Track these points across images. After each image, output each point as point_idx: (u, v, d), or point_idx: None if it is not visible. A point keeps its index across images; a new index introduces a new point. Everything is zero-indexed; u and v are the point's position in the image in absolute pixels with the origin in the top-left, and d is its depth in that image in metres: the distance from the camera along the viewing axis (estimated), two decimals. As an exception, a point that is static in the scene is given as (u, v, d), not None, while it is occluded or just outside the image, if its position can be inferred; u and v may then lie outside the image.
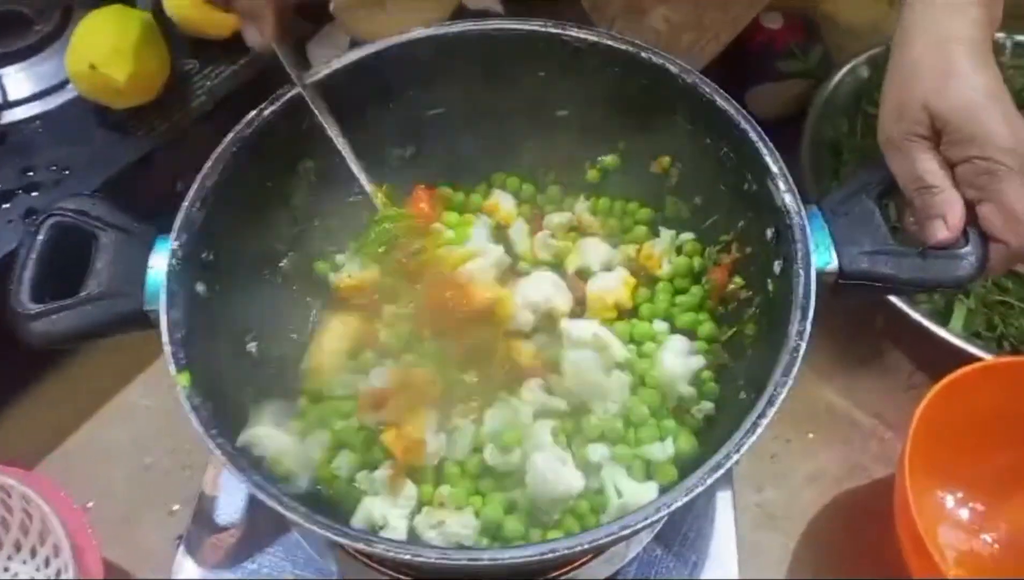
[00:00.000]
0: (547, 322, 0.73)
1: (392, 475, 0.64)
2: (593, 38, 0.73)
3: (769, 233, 0.66)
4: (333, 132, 0.71)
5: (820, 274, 0.61)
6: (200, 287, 0.63)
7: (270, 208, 0.73)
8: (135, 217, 0.65)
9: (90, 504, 0.81)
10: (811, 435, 0.86)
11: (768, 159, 0.65)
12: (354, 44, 0.80)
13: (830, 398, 0.88)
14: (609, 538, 0.51)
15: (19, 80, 0.91)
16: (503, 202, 0.82)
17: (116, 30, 0.84)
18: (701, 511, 0.75)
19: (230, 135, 0.68)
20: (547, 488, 0.62)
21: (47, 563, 0.72)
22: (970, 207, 0.62)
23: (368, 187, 0.73)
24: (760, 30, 1.01)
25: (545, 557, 0.50)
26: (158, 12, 0.91)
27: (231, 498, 0.75)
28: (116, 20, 0.85)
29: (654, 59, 0.72)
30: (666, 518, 0.64)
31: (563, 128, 0.81)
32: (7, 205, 0.81)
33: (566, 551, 0.50)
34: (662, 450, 0.66)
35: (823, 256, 0.62)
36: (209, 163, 0.66)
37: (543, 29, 0.74)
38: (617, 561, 0.70)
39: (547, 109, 0.80)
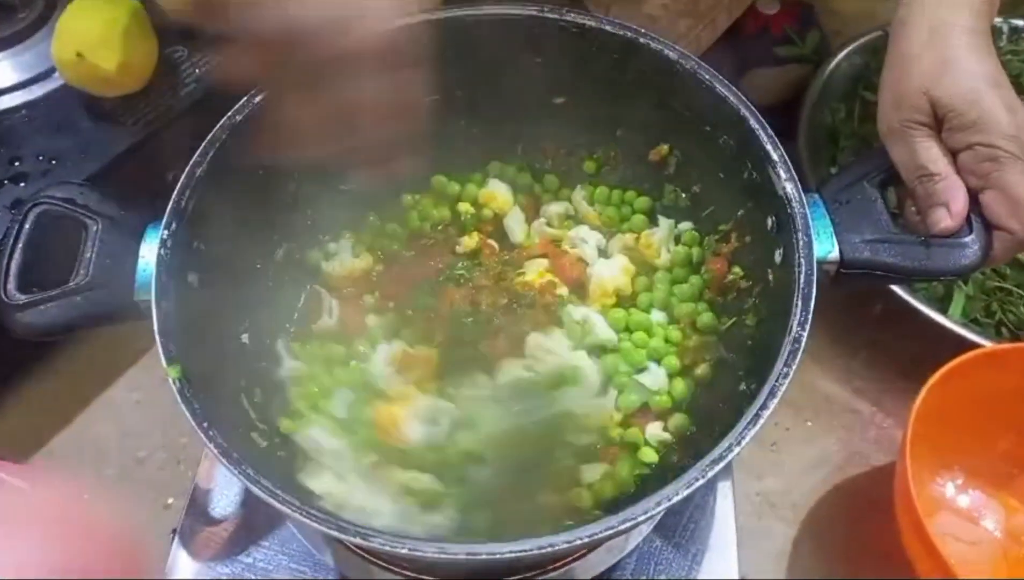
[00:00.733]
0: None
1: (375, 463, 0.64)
2: (591, 23, 0.72)
3: (770, 222, 0.65)
4: None
5: (822, 263, 0.60)
6: (191, 277, 0.62)
7: (262, 197, 0.72)
8: (124, 206, 0.63)
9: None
10: (810, 423, 0.86)
11: (768, 147, 0.65)
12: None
13: (829, 386, 0.88)
14: (608, 532, 0.50)
15: (3, 68, 0.89)
16: (499, 191, 0.80)
17: (103, 17, 0.82)
18: (701, 501, 0.74)
19: (220, 122, 0.66)
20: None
21: (39, 558, 0.71)
22: (972, 195, 0.61)
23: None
24: (757, 15, 1.01)
25: (544, 551, 0.49)
26: (145, -1, 0.90)
27: (225, 491, 0.74)
28: (103, 7, 0.83)
29: (652, 45, 0.71)
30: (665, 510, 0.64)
31: (560, 115, 0.80)
32: (-7, 195, 0.80)
33: (565, 545, 0.49)
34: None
35: (825, 245, 0.61)
36: (199, 151, 0.65)
37: (540, 14, 0.73)
38: (617, 552, 0.70)
39: (544, 96, 0.79)
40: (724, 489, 0.75)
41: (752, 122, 0.66)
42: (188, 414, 0.54)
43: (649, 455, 0.67)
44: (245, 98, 0.68)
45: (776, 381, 0.54)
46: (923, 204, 0.62)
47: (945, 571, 0.63)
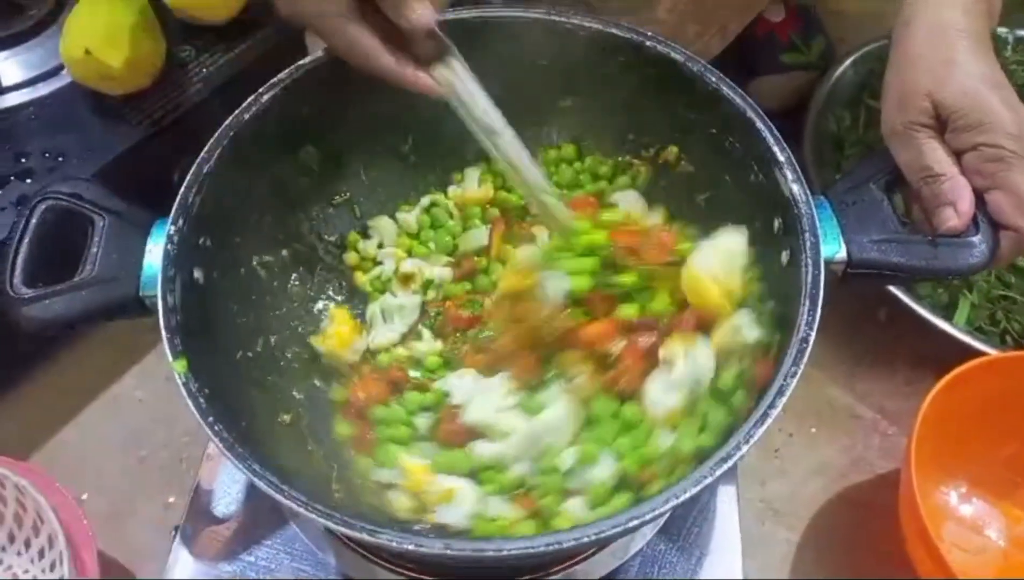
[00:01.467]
0: None
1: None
2: (598, 26, 0.72)
3: (776, 224, 0.65)
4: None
5: (829, 263, 0.60)
6: (197, 273, 0.62)
7: (269, 195, 0.72)
8: (131, 202, 0.63)
9: (84, 496, 0.79)
10: (814, 430, 0.86)
11: (775, 148, 0.64)
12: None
13: (833, 393, 0.88)
14: (615, 530, 0.50)
15: (12, 66, 0.90)
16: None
17: (111, 15, 0.83)
18: (705, 505, 0.74)
19: (228, 120, 0.66)
20: None
21: (41, 555, 0.70)
22: (978, 195, 0.61)
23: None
24: (762, 22, 1.01)
25: (550, 549, 0.49)
26: (153, -3, 0.90)
27: (228, 490, 0.73)
28: (112, 5, 0.84)
29: (659, 48, 0.71)
30: (671, 511, 0.64)
31: (566, 118, 0.80)
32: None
33: (572, 543, 0.49)
34: None
35: (831, 245, 0.61)
36: (207, 148, 0.65)
37: (546, 17, 0.73)
38: (621, 555, 0.69)
39: (551, 99, 0.79)
40: (728, 494, 0.75)
41: (759, 124, 0.66)
42: (193, 408, 0.53)
43: None
44: (253, 96, 0.68)
45: (784, 380, 0.54)
46: (929, 204, 0.62)
47: (951, 577, 0.63)
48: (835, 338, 0.90)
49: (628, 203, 0.78)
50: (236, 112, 0.67)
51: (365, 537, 0.49)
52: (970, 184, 0.61)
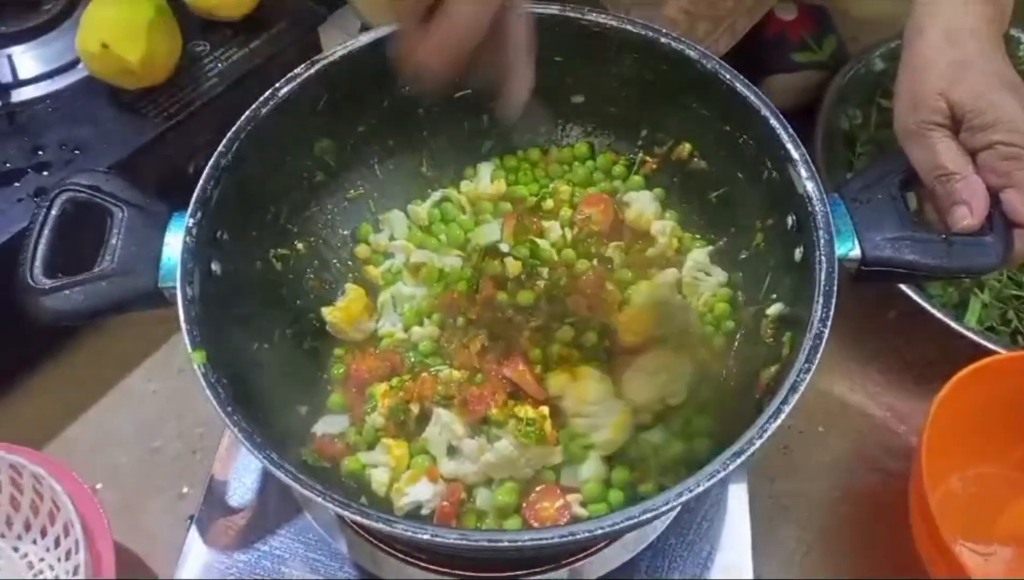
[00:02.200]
0: None
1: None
2: (612, 23, 0.73)
3: (790, 221, 0.65)
4: None
5: (842, 261, 0.60)
6: (215, 265, 0.63)
7: (286, 188, 0.72)
8: (149, 195, 0.64)
9: (98, 487, 0.80)
10: (823, 428, 0.86)
11: (789, 145, 0.65)
12: (364, 29, 0.79)
13: (843, 391, 0.88)
14: (629, 522, 0.50)
15: (29, 59, 0.90)
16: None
17: (129, 9, 0.83)
18: (715, 501, 0.74)
19: (246, 113, 0.67)
20: None
21: (57, 543, 0.71)
22: (992, 194, 0.61)
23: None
24: (774, 21, 1.01)
25: (565, 539, 0.49)
26: (169, -7, 0.90)
27: (242, 481, 0.74)
28: (128, 0, 0.84)
29: (673, 45, 0.71)
30: (682, 507, 0.64)
31: (579, 115, 0.81)
32: (17, 184, 0.81)
33: (586, 535, 0.49)
34: None
35: (845, 243, 0.61)
36: (224, 141, 0.65)
37: (560, 13, 0.73)
38: (632, 549, 0.69)
39: (563, 95, 0.79)
40: (739, 490, 0.75)
41: (773, 121, 0.66)
42: (212, 398, 0.54)
43: None
44: (270, 91, 0.69)
45: (798, 376, 0.54)
46: (943, 203, 0.62)
47: (962, 576, 0.63)
48: (846, 337, 0.90)
49: (642, 205, 0.78)
50: (253, 106, 0.68)
51: (381, 527, 0.49)
52: (984, 183, 0.61)
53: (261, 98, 0.68)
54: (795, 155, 0.64)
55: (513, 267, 0.73)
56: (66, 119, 0.85)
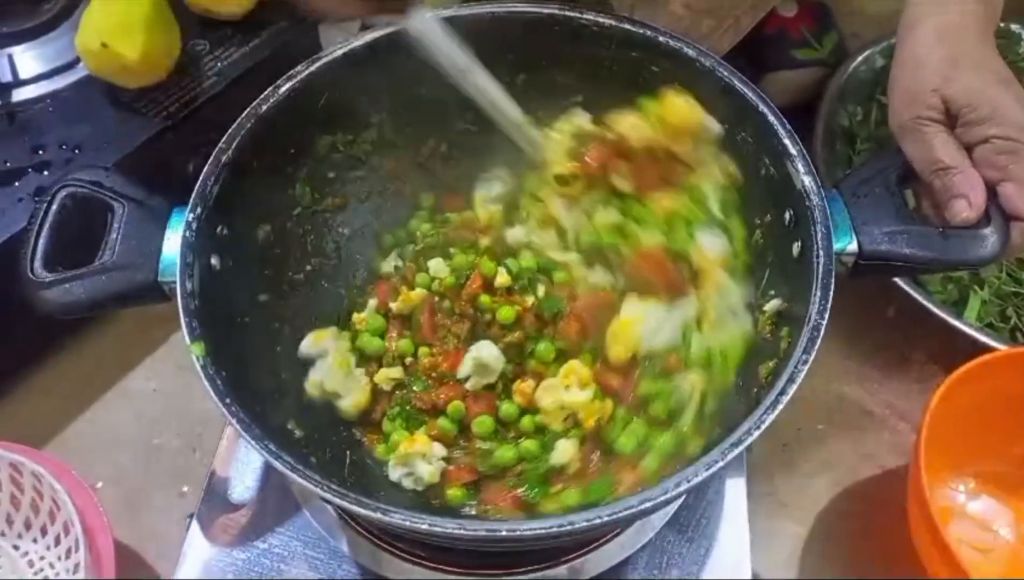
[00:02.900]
0: None
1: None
2: (611, 22, 0.73)
3: (788, 216, 0.65)
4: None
5: (840, 255, 0.60)
6: (215, 260, 0.63)
7: (286, 185, 0.73)
8: (149, 190, 0.64)
9: (98, 486, 0.80)
10: (822, 425, 0.86)
11: (787, 141, 0.65)
12: (364, 27, 0.80)
13: (842, 388, 0.88)
14: (628, 512, 0.50)
15: (28, 59, 0.90)
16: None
17: (128, 9, 0.83)
18: (713, 498, 0.74)
19: (247, 110, 0.67)
20: None
21: (57, 542, 0.71)
22: (989, 188, 0.62)
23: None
24: (775, 17, 1.01)
25: (563, 530, 0.49)
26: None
27: (243, 477, 0.74)
28: (128, -1, 0.85)
29: (672, 43, 0.71)
30: (682, 498, 0.64)
31: (578, 113, 0.81)
32: (17, 183, 0.81)
33: (584, 524, 0.49)
34: None
35: (843, 237, 0.61)
36: (225, 137, 0.66)
37: (559, 12, 0.74)
38: (630, 546, 0.69)
39: (562, 94, 0.80)
40: (737, 486, 0.75)
41: (771, 117, 0.66)
42: (211, 390, 0.54)
43: None
44: (271, 88, 0.69)
45: (795, 367, 0.54)
46: (941, 197, 0.62)
47: (961, 575, 0.63)
48: (845, 333, 0.90)
49: None
50: (254, 103, 0.68)
51: (378, 516, 0.49)
52: (981, 176, 0.61)
53: (262, 95, 0.69)
54: (793, 151, 0.65)
55: (502, 278, 0.73)
56: (66, 118, 0.86)
